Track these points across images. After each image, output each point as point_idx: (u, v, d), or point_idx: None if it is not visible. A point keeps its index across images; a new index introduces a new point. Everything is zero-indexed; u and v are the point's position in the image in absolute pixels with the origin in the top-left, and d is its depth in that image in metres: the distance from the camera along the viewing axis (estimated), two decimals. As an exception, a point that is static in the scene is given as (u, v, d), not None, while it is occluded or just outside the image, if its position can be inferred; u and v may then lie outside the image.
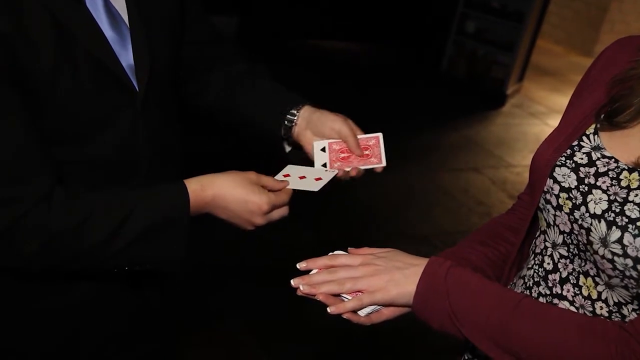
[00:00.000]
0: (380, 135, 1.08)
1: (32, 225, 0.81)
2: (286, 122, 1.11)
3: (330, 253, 0.89)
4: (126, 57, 0.93)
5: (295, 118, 1.10)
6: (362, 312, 0.82)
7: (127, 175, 0.98)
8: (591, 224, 0.79)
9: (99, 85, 0.90)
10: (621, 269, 0.76)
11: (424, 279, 0.81)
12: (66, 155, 0.91)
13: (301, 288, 0.82)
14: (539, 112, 5.55)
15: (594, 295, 0.83)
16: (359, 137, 1.08)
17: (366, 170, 1.07)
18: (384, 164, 1.05)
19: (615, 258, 0.76)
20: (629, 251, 0.74)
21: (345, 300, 0.82)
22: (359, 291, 0.82)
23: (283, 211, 0.99)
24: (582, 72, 0.98)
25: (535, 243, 0.94)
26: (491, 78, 5.53)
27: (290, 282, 0.82)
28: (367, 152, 1.07)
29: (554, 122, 5.38)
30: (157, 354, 1.30)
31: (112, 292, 1.09)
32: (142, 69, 0.95)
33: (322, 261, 0.85)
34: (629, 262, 0.75)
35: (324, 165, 1.08)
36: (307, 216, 3.05)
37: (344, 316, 0.81)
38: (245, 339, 2.36)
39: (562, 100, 5.88)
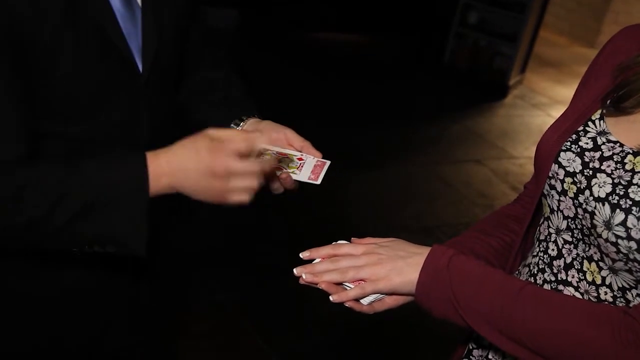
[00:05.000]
0: (329, 162, 1.04)
1: None
2: (230, 127, 1.09)
3: (334, 243, 0.89)
4: (136, 37, 0.93)
5: (242, 123, 1.09)
6: (365, 301, 0.82)
7: (129, 149, 0.95)
8: (595, 208, 0.79)
9: (103, 59, 0.89)
10: (625, 252, 0.76)
11: (426, 267, 0.81)
12: (68, 129, 0.90)
13: (304, 277, 0.82)
14: (542, 103, 5.53)
15: (598, 281, 0.83)
16: (310, 156, 1.04)
17: (300, 183, 1.02)
18: (318, 182, 1.00)
19: (619, 241, 0.76)
20: (633, 234, 0.74)
21: (348, 289, 0.82)
22: (361, 280, 0.82)
23: (248, 180, 0.84)
24: (585, 63, 0.98)
25: (539, 230, 0.94)
26: (493, 69, 5.51)
27: (292, 271, 0.82)
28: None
29: (557, 113, 5.35)
30: (153, 348, 1.30)
31: (101, 282, 1.07)
32: (148, 50, 0.95)
33: (324, 250, 0.85)
34: (633, 244, 0.74)
35: None
36: (309, 209, 3.06)
37: (347, 304, 0.81)
38: (246, 328, 2.37)
39: (564, 92, 5.85)
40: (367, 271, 0.81)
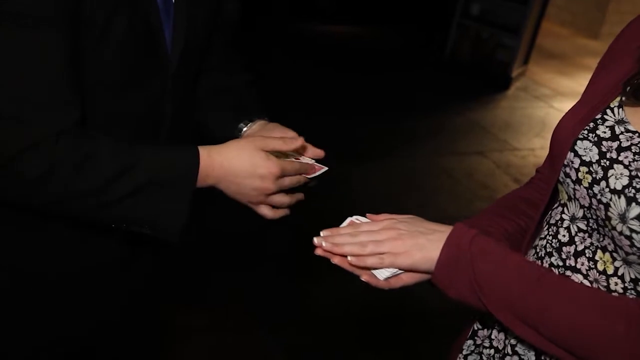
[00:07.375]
0: (326, 169, 1.09)
1: (41, 152, 0.81)
2: (239, 126, 1.16)
3: (349, 218, 0.88)
4: (168, 28, 0.99)
5: (250, 123, 1.16)
6: (381, 276, 0.81)
7: (151, 134, 1.01)
8: (610, 200, 0.77)
9: (143, 45, 0.94)
10: (639, 246, 0.74)
11: (448, 245, 0.79)
12: (96, 106, 0.93)
13: (324, 245, 0.81)
14: (544, 95, 5.51)
15: (610, 271, 0.81)
16: (307, 159, 1.10)
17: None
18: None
19: (634, 235, 0.74)
20: None
21: (375, 274, 0.81)
22: (381, 254, 0.81)
23: (296, 179, 1.00)
24: (588, 55, 0.97)
25: (550, 214, 0.92)
26: (496, 61, 5.49)
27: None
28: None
29: (560, 105, 5.34)
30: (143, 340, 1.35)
31: (106, 268, 1.11)
32: (178, 42, 1.00)
33: (344, 230, 0.84)
34: None
35: None
36: (310, 202, 3.05)
37: (363, 278, 0.80)
38: (247, 325, 2.37)
39: (567, 83, 5.83)
40: (388, 245, 0.80)
